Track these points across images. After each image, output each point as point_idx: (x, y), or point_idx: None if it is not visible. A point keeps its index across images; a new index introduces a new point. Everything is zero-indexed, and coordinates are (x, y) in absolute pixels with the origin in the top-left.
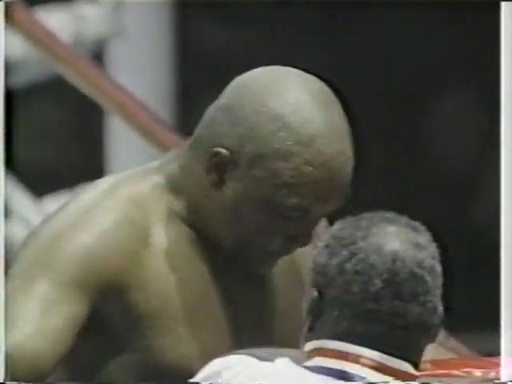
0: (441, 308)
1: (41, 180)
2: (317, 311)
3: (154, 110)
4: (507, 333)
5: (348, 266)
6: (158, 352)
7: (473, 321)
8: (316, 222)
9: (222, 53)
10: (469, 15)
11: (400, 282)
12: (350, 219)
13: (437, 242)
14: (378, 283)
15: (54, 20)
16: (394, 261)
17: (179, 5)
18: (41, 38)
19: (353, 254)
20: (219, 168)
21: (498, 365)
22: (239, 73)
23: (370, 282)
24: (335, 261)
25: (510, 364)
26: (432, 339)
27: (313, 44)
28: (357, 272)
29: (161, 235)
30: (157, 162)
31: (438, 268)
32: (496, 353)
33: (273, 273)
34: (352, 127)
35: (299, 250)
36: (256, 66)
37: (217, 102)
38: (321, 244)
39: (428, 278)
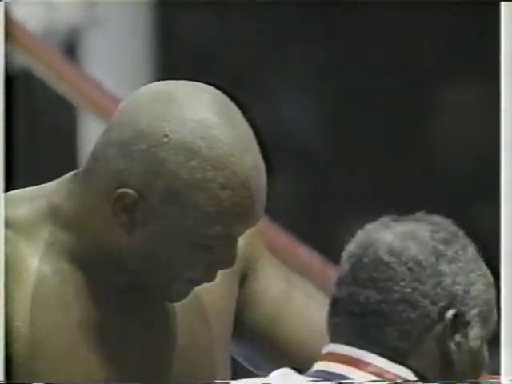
0: (428, 307)
1: (12, 176)
2: None
3: None
4: (507, 352)
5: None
6: None
7: None
8: (237, 240)
9: (202, 44)
10: (469, 15)
11: (361, 266)
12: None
13: None
14: (343, 269)
15: (23, 8)
16: (366, 247)
17: None
18: (8, 30)
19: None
20: (128, 209)
21: None
22: (221, 66)
23: (342, 267)
24: None
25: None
26: (408, 337)
27: (306, 41)
28: (341, 263)
29: (36, 271)
30: (43, 187)
31: (440, 268)
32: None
33: (175, 309)
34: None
35: (206, 286)
36: (240, 60)
37: (106, 133)
38: None
39: (395, 265)
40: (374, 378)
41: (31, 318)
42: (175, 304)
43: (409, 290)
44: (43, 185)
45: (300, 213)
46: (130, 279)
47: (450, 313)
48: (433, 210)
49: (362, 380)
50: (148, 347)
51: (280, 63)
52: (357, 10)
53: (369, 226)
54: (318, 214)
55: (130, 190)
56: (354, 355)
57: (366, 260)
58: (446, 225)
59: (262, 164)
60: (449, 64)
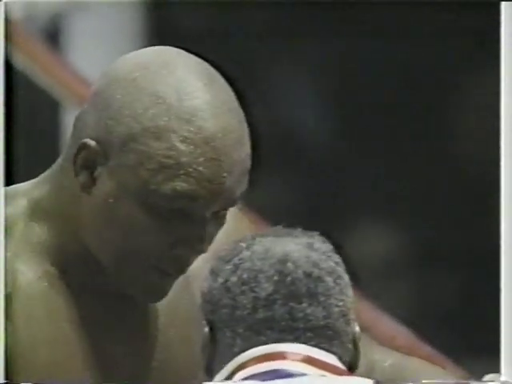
0: (357, 328)
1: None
2: (211, 347)
3: None
4: (507, 355)
5: (233, 279)
6: None
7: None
8: (206, 219)
9: (194, 33)
10: (469, 15)
11: (293, 282)
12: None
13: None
14: (268, 287)
15: None
16: (283, 262)
17: None
18: None
19: (237, 266)
20: (88, 165)
21: None
22: (215, 54)
23: (258, 287)
24: (219, 280)
25: None
26: (352, 363)
27: (314, 35)
28: (243, 282)
29: (24, 278)
30: (23, 185)
31: (345, 277)
32: None
33: (158, 306)
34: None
35: (197, 273)
36: (236, 47)
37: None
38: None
39: (327, 279)
40: (302, 365)
41: (16, 328)
42: (170, 314)
43: (341, 303)
44: (24, 183)
45: (302, 212)
46: (108, 281)
47: (357, 328)
48: (441, 215)
49: (291, 368)
50: (135, 353)
51: (279, 62)
52: (357, 10)
53: (250, 241)
54: (320, 213)
55: (91, 142)
56: (267, 351)
57: (295, 276)
58: (311, 233)
59: (241, 135)
60: (448, 64)
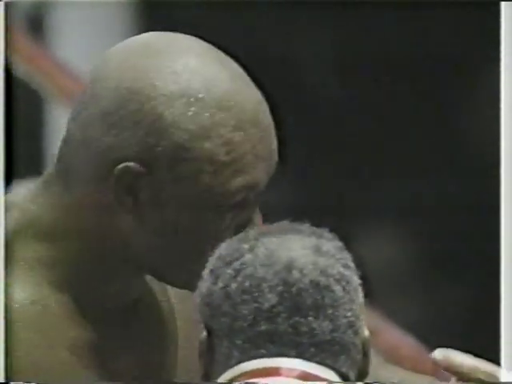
0: (366, 333)
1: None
2: (208, 353)
3: None
4: (507, 356)
5: (234, 285)
6: None
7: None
8: (255, 201)
9: (189, 23)
10: (469, 15)
11: (298, 293)
12: (240, 234)
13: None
14: (271, 298)
15: None
16: (289, 269)
17: None
18: None
19: (238, 271)
20: (132, 188)
21: None
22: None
23: (261, 298)
24: (219, 284)
25: None
26: (354, 365)
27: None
28: (245, 291)
29: (25, 304)
30: (17, 195)
31: (354, 280)
32: None
33: (165, 320)
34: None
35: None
36: (234, 42)
37: (77, 115)
38: (205, 270)
39: (336, 288)
40: (296, 381)
41: (9, 356)
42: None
43: (349, 313)
44: (15, 193)
45: (308, 214)
46: (122, 293)
47: (367, 332)
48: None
49: None
50: (144, 365)
51: (278, 62)
52: (358, 10)
53: (253, 242)
54: (327, 215)
55: (130, 163)
56: (261, 365)
57: (301, 286)
58: (320, 231)
59: (265, 103)
60: (448, 64)
